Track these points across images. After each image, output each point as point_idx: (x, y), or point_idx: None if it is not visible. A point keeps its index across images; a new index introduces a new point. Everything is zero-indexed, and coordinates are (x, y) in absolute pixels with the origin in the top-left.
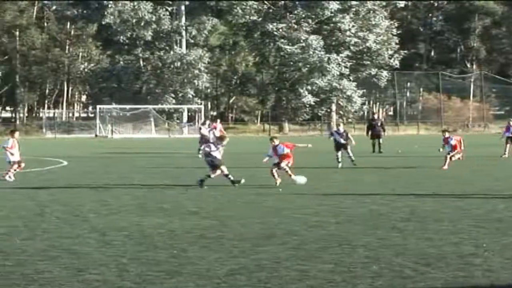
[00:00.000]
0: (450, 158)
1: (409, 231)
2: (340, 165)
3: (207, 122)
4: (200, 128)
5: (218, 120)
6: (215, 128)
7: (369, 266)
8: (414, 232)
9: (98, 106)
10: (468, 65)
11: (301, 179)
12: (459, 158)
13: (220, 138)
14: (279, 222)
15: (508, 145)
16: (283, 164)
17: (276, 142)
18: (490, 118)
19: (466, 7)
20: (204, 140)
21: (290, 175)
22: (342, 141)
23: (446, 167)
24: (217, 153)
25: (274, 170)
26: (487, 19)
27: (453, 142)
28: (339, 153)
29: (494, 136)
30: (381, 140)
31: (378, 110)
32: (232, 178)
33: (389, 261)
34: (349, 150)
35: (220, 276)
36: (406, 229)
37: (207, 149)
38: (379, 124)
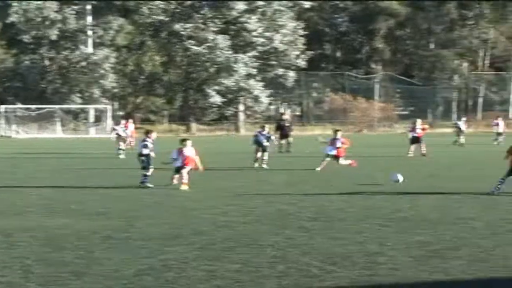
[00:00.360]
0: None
1: (316, 231)
2: (256, 165)
3: (122, 121)
4: (115, 129)
5: (131, 120)
6: (126, 127)
7: (276, 266)
8: (320, 231)
9: (2, 106)
10: (373, 66)
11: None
12: (350, 164)
13: (147, 132)
14: (187, 222)
15: (412, 145)
16: (184, 171)
17: (188, 145)
18: (395, 118)
19: (371, 8)
20: (121, 139)
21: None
22: (265, 142)
23: (319, 168)
24: (148, 151)
25: (175, 176)
26: (391, 20)
27: (338, 145)
28: (259, 154)
29: (400, 136)
30: (290, 140)
31: (285, 110)
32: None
33: (296, 261)
34: (266, 154)
35: (127, 276)
36: (313, 228)
37: (140, 150)
38: (287, 124)
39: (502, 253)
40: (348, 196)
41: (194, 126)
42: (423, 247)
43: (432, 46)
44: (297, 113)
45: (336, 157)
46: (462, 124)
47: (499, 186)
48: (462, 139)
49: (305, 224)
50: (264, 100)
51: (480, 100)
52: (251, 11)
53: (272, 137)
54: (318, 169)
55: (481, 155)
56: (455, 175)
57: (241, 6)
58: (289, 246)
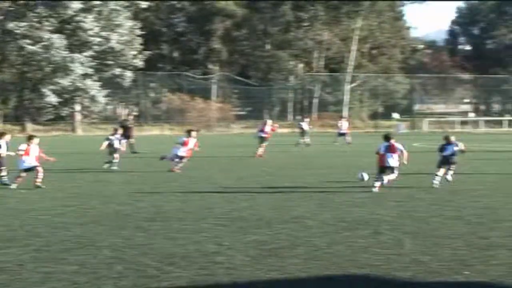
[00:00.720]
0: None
1: (154, 231)
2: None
3: None
4: None
5: None
6: None
7: (113, 267)
8: (158, 231)
9: None
10: (211, 66)
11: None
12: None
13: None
14: (22, 224)
15: (263, 144)
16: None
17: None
18: (232, 119)
19: (207, 8)
20: None
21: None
22: (116, 144)
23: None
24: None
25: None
26: (228, 21)
27: (189, 147)
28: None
29: (237, 136)
30: (132, 141)
31: (130, 111)
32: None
33: (134, 261)
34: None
35: None
36: (151, 228)
37: None
38: (129, 125)
39: (335, 251)
40: (186, 196)
41: (29, 126)
42: (260, 246)
43: (268, 47)
44: (135, 113)
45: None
46: (305, 125)
47: (375, 184)
48: (307, 140)
49: (143, 225)
50: (101, 100)
51: (316, 100)
52: (87, 10)
53: (123, 140)
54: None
55: (321, 155)
56: (291, 175)
57: (76, 5)
58: (126, 246)
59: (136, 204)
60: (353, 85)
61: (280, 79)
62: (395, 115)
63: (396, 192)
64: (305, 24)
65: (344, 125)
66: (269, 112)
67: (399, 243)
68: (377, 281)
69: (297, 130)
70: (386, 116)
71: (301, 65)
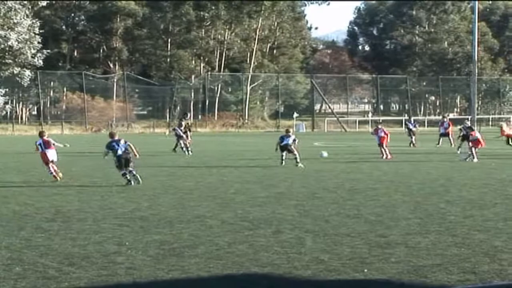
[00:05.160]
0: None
1: (53, 231)
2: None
3: None
4: None
5: None
6: None
7: (12, 268)
8: (58, 232)
9: None
10: (111, 65)
11: None
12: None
13: None
14: None
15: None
16: None
17: None
18: (134, 118)
19: (108, 7)
20: None
21: None
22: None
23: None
24: None
25: None
26: (129, 20)
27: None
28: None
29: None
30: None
31: (22, 110)
32: None
33: (33, 262)
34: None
35: None
36: (51, 229)
37: None
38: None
39: (236, 250)
40: (86, 196)
41: None
42: (161, 246)
43: (169, 46)
44: (34, 113)
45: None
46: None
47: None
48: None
49: (43, 225)
50: (0, 99)
51: (217, 100)
52: None
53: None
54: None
55: (216, 154)
56: (192, 174)
57: None
58: (25, 247)
59: (36, 204)
60: (254, 84)
61: (181, 79)
62: (295, 115)
63: (296, 191)
64: (207, 23)
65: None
66: (171, 112)
67: (300, 241)
68: (278, 279)
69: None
70: (287, 115)
71: (202, 65)
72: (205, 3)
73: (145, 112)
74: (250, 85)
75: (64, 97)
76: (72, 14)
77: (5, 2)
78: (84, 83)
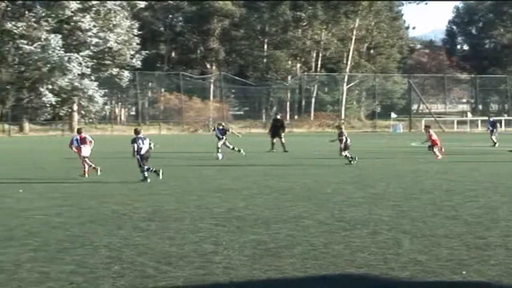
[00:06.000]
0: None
1: (151, 231)
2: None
3: None
4: None
5: None
6: None
7: (111, 266)
8: (156, 231)
9: None
10: (208, 66)
11: None
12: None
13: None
14: (20, 223)
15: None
16: None
17: None
18: (230, 118)
19: (206, 8)
20: None
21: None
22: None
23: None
24: None
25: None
26: (226, 21)
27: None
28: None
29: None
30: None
31: (121, 110)
32: None
33: (131, 261)
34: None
35: None
36: (148, 228)
37: None
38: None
39: (333, 251)
40: (182, 195)
41: (27, 125)
42: (257, 246)
43: (266, 47)
44: (132, 113)
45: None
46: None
47: None
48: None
49: (141, 224)
50: (99, 100)
51: (313, 100)
52: (84, 10)
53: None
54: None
55: (311, 154)
56: (287, 174)
57: (75, 5)
58: (124, 246)
59: (133, 204)
60: (350, 85)
61: (278, 79)
62: (393, 115)
63: (392, 191)
64: (304, 23)
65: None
66: (267, 112)
67: (397, 243)
68: (374, 280)
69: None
70: (384, 116)
71: (299, 65)
72: (302, 3)
73: (241, 113)
74: (346, 85)
75: (162, 98)
76: (170, 15)
77: (105, 4)
78: (181, 83)
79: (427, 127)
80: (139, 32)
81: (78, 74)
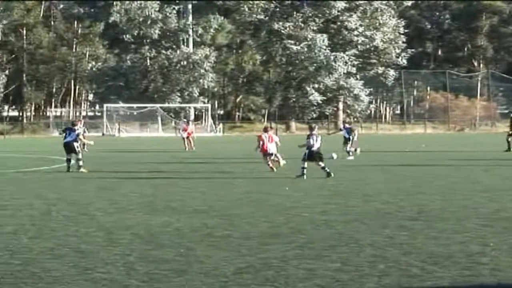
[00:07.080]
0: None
1: (416, 230)
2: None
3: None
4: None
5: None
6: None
7: (376, 265)
8: (421, 231)
9: (105, 105)
10: (475, 64)
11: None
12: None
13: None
14: (286, 220)
15: None
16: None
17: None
18: (497, 117)
19: (474, 5)
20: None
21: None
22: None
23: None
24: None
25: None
26: (494, 18)
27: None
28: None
29: (502, 135)
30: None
31: (385, 109)
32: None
33: (396, 260)
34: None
35: (227, 274)
36: (413, 227)
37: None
38: None
39: None
40: (448, 195)
41: (293, 124)
42: None
43: None
44: (397, 112)
45: None
46: None
47: None
48: None
49: (405, 223)
50: (364, 98)
51: None
52: (351, 9)
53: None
54: None
55: None
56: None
57: (341, 4)
58: (389, 245)
59: (398, 203)
60: None
61: None
62: None
63: None
64: None
65: None
66: None
67: None
68: None
69: None
70: None
71: None
72: None
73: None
74: None
75: (428, 96)
76: (437, 13)
77: (372, 3)
78: (447, 82)
79: None
80: (406, 31)
81: (344, 73)
